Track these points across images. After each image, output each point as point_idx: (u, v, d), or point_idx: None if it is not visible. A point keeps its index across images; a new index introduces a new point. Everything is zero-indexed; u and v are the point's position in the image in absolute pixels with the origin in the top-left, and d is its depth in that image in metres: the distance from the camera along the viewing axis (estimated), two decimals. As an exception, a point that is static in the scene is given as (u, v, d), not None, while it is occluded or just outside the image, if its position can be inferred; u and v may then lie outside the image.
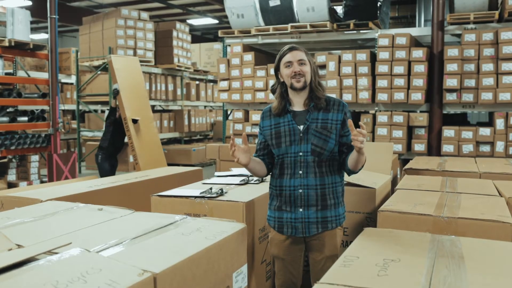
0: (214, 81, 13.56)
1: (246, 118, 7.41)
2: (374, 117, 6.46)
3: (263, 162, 2.35)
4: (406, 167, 3.76)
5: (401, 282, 1.26)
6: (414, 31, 6.67)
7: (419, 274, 1.31)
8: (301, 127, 2.25)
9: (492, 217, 1.99)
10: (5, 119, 7.18)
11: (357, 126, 6.71)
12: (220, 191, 2.64)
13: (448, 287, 1.22)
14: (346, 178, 2.99)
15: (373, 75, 6.37)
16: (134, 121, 5.97)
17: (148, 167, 5.78)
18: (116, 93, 5.84)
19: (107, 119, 6.02)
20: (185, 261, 1.46)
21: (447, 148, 6.04)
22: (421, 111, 6.33)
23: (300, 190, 2.23)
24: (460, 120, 7.48)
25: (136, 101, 6.19)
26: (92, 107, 10.94)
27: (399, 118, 6.26)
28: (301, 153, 2.21)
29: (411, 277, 1.29)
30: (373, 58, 6.42)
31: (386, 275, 1.30)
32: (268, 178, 2.44)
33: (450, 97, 6.05)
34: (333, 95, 6.52)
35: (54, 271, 1.29)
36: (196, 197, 2.54)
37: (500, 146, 5.84)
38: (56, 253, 1.44)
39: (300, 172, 2.23)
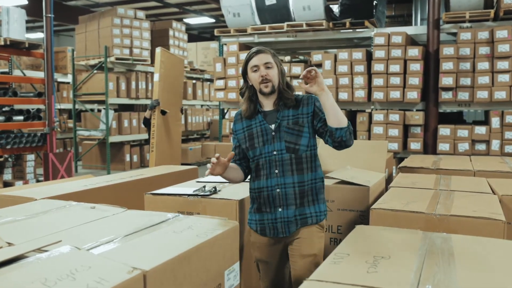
0: (211, 80, 13.55)
1: (243, 117, 7.39)
2: (370, 115, 6.47)
3: (240, 168, 2.31)
4: (400, 165, 3.77)
5: (390, 279, 1.26)
6: (410, 30, 6.68)
7: (408, 271, 1.31)
8: (273, 126, 2.22)
9: (484, 214, 2.00)
10: (1, 118, 7.16)
11: (354, 125, 6.64)
12: (213, 189, 2.64)
13: (437, 284, 1.22)
14: (341, 176, 3.00)
15: (369, 74, 6.38)
16: (163, 113, 5.98)
17: (160, 160, 5.78)
18: (154, 105, 5.83)
19: (144, 124, 6.10)
20: (176, 259, 1.46)
21: (443, 146, 6.05)
22: (417, 110, 6.35)
23: (278, 190, 2.19)
24: (455, 119, 7.49)
25: (169, 97, 6.20)
26: (89, 106, 10.92)
27: (395, 117, 6.27)
28: (275, 152, 2.18)
29: (401, 274, 1.29)
30: (369, 57, 6.42)
31: (375, 272, 1.31)
32: None
33: (445, 95, 6.06)
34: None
35: (43, 269, 1.28)
36: (189, 195, 2.53)
37: (495, 144, 5.85)
38: (46, 251, 1.43)
39: (276, 171, 2.19)
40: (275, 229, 2.22)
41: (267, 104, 2.26)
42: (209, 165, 2.06)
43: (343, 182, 2.91)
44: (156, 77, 6.07)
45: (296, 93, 2.30)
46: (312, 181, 2.22)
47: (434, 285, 1.22)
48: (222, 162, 2.07)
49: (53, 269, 1.27)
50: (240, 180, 2.32)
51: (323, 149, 3.48)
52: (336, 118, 2.04)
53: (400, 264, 1.37)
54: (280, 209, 2.19)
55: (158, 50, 6.13)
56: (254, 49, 2.25)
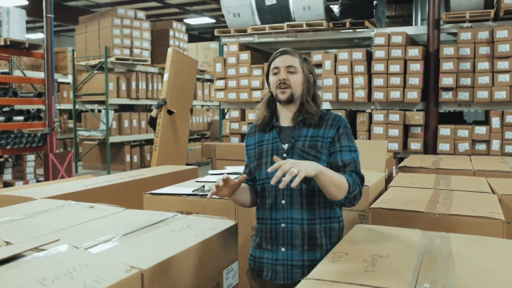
0: (211, 80, 13.56)
1: (243, 117, 7.41)
2: (370, 115, 6.46)
3: (250, 190, 2.01)
4: (400, 165, 3.77)
5: (388, 278, 1.26)
6: (410, 30, 6.68)
7: (406, 270, 1.31)
8: (286, 146, 1.88)
9: (484, 213, 1.99)
10: (1, 118, 7.18)
11: (354, 124, 6.59)
12: (213, 189, 2.63)
13: (435, 282, 1.22)
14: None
15: (369, 74, 6.37)
16: (170, 113, 5.98)
17: (163, 159, 5.78)
18: (161, 105, 5.83)
19: (150, 123, 6.10)
20: (174, 258, 1.46)
21: (443, 146, 6.05)
22: (417, 110, 6.34)
23: (283, 225, 1.84)
24: (456, 119, 7.48)
25: (178, 97, 6.20)
26: (89, 106, 10.93)
27: (395, 117, 6.26)
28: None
29: (399, 273, 1.29)
30: (369, 57, 6.42)
31: (373, 271, 1.30)
32: None
33: (446, 95, 6.05)
34: (329, 94, 6.55)
35: (41, 268, 1.28)
36: (188, 195, 2.53)
37: (496, 144, 5.84)
38: (44, 249, 1.43)
39: (283, 202, 1.85)
40: (274, 272, 1.86)
41: (285, 118, 1.94)
42: (212, 185, 1.77)
43: (342, 181, 2.91)
44: (165, 76, 6.10)
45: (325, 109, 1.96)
46: (325, 220, 1.86)
47: (432, 283, 1.21)
48: (230, 183, 1.77)
49: (50, 268, 1.27)
50: (249, 205, 2.01)
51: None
52: (331, 193, 1.72)
53: (398, 263, 1.37)
54: (283, 249, 1.85)
55: (170, 50, 6.17)
56: (280, 50, 1.93)
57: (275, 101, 1.94)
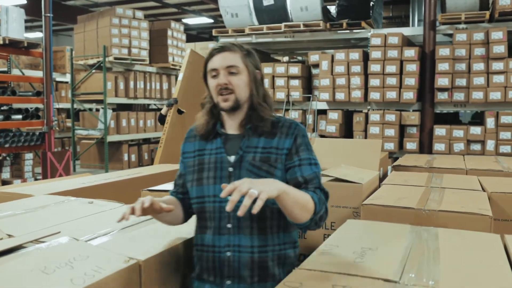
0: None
1: (240, 117, 7.45)
2: (367, 116, 6.52)
3: (180, 205, 1.70)
4: (394, 164, 3.83)
5: (376, 268, 1.31)
6: (406, 31, 6.74)
7: (394, 261, 1.36)
8: (232, 158, 1.59)
9: (472, 210, 2.05)
10: (0, 117, 7.21)
11: (350, 124, 6.62)
12: (209, 186, 2.67)
13: (421, 272, 1.28)
14: (334, 174, 3.04)
15: (366, 74, 6.43)
16: (180, 112, 6.02)
17: (167, 157, 5.83)
18: (171, 103, 5.88)
19: (159, 121, 6.17)
20: (171, 250, 1.52)
21: (438, 146, 6.11)
22: (413, 110, 6.40)
23: (228, 253, 1.55)
24: (452, 119, 7.54)
25: (191, 98, 6.24)
26: (87, 105, 10.94)
27: (391, 117, 6.32)
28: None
29: (386, 264, 1.35)
30: (366, 57, 6.48)
31: (362, 262, 1.36)
32: None
33: (441, 96, 6.11)
34: (326, 94, 6.61)
35: (42, 258, 1.33)
36: (185, 191, 2.58)
37: (490, 144, 5.91)
38: (45, 241, 1.48)
39: (229, 225, 1.56)
40: None
41: (231, 125, 1.65)
42: (126, 209, 1.44)
43: (336, 179, 2.96)
44: (180, 76, 6.20)
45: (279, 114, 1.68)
46: (279, 246, 1.59)
47: (417, 273, 1.27)
48: (154, 208, 1.47)
49: (52, 258, 1.32)
50: (179, 223, 1.71)
51: (319, 146, 3.53)
52: (291, 216, 1.46)
53: (386, 255, 1.43)
54: (228, 282, 1.55)
55: (188, 50, 6.24)
56: (217, 46, 1.62)
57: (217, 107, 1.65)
